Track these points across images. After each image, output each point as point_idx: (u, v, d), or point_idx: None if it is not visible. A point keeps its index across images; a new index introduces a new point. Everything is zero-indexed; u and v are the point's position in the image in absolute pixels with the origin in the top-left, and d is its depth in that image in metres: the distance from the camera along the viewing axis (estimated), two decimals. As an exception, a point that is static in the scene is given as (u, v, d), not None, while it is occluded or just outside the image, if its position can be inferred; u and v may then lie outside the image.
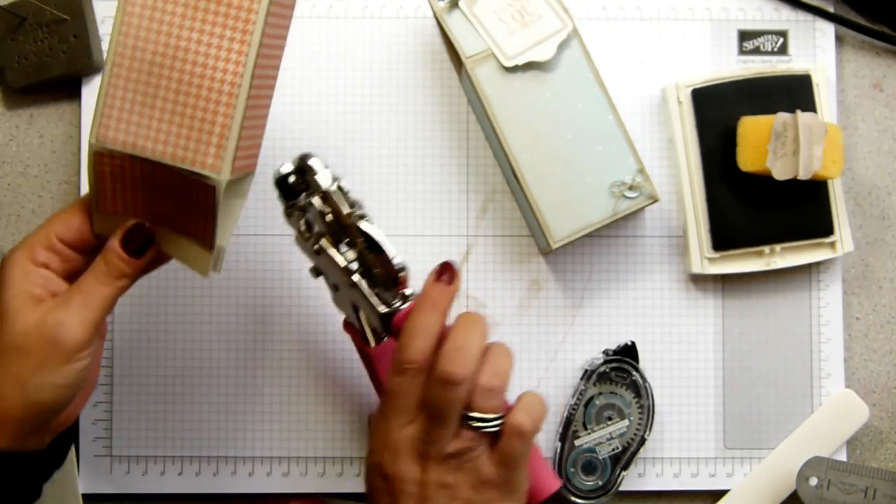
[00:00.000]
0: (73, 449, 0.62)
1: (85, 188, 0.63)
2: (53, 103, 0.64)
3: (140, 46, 0.46)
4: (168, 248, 0.51)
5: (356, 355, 0.57)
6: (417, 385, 0.48)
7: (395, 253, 0.51)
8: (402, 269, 0.51)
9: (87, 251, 0.50)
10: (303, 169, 0.52)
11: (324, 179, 0.52)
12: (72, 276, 0.50)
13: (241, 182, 0.50)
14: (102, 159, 0.47)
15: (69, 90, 0.64)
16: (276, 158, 0.64)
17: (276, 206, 0.57)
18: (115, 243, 0.49)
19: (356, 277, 0.51)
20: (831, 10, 0.65)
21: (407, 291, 0.51)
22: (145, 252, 0.50)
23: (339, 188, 0.52)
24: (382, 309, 0.51)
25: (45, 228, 0.49)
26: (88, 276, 0.49)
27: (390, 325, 0.52)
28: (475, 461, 0.48)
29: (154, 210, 0.49)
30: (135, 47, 0.46)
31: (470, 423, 0.47)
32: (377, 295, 0.52)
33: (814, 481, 0.60)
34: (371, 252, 0.51)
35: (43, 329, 0.47)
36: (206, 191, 0.46)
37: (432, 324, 0.48)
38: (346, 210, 0.51)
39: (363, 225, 0.51)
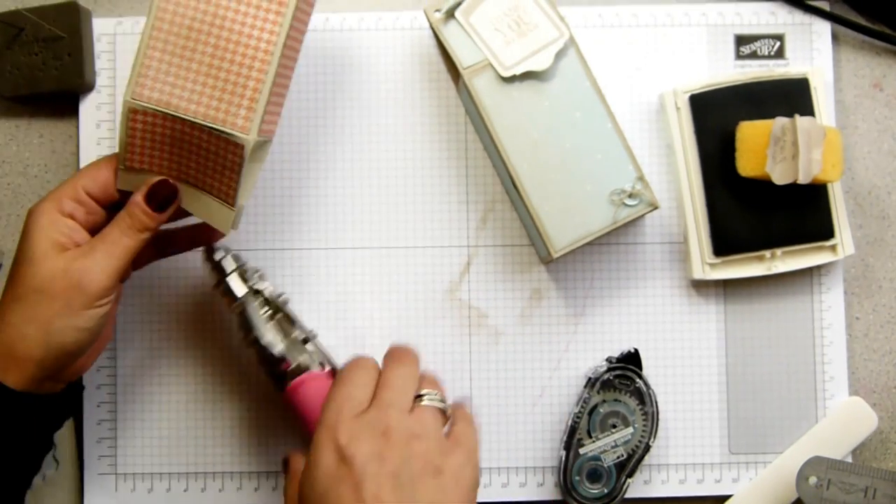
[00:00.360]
0: (78, 466, 0.62)
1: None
2: (53, 103, 0.64)
3: (180, 12, 0.50)
4: (190, 205, 0.54)
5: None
6: (371, 377, 0.49)
7: (269, 338, 0.56)
8: (278, 352, 0.56)
9: (110, 207, 0.53)
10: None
11: (222, 267, 0.57)
12: (93, 230, 0.52)
13: (262, 147, 0.53)
14: (135, 116, 0.50)
15: (68, 94, 0.64)
16: (275, 170, 0.64)
17: (268, 220, 0.61)
18: (139, 197, 0.52)
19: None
20: (828, 10, 0.65)
21: (288, 368, 0.56)
22: (168, 207, 0.52)
23: (243, 277, 0.57)
24: (275, 388, 0.57)
25: (73, 181, 0.52)
26: (112, 228, 0.52)
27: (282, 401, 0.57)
28: (431, 438, 0.47)
29: (180, 168, 0.52)
30: (174, 13, 0.50)
31: (422, 398, 0.49)
32: (269, 374, 0.57)
33: (813, 481, 0.60)
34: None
35: (68, 274, 0.49)
36: (234, 150, 0.50)
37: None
38: (239, 294, 0.57)
39: (246, 314, 0.57)
